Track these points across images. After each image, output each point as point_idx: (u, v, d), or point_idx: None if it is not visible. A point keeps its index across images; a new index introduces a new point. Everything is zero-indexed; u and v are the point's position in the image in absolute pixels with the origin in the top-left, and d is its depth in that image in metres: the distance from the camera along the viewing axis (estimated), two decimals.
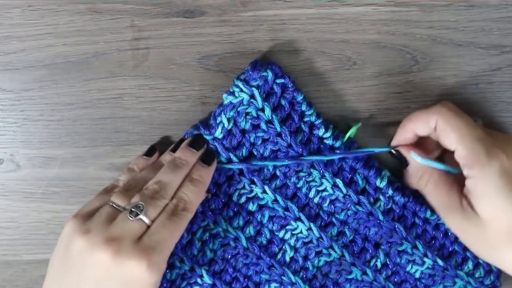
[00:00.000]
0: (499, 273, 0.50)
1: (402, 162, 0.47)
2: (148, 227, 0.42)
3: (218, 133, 0.46)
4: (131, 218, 0.42)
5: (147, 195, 0.43)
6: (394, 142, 0.47)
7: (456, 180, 0.45)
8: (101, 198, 0.45)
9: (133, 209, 0.42)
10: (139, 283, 0.41)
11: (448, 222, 0.45)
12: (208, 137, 0.47)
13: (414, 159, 0.46)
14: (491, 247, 0.43)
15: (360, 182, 0.48)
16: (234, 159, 0.47)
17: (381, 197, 0.48)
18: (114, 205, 0.43)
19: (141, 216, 0.42)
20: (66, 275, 0.42)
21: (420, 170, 0.46)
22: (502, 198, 0.41)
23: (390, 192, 0.48)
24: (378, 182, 0.48)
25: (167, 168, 0.45)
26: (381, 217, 0.48)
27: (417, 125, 0.45)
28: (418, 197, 0.48)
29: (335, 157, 0.47)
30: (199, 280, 0.48)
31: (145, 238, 0.41)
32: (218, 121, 0.46)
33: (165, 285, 0.48)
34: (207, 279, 0.48)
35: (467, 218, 0.43)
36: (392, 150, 0.47)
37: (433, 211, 0.48)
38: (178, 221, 0.43)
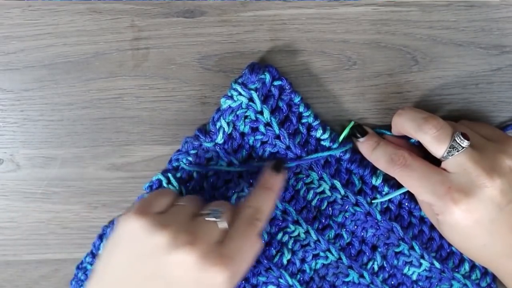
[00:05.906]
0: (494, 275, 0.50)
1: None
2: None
3: (220, 139, 0.46)
4: (211, 220, 0.39)
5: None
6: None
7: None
8: (161, 200, 0.41)
9: (210, 212, 0.40)
10: None
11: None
12: (209, 144, 0.46)
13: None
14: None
15: (357, 182, 0.48)
16: (235, 162, 0.47)
17: (378, 196, 0.48)
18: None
19: (220, 220, 0.39)
20: (137, 272, 0.38)
21: None
22: (464, 242, 0.44)
23: (386, 189, 0.48)
24: (373, 180, 0.48)
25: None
26: (379, 217, 0.48)
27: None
28: (413, 195, 0.48)
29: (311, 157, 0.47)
30: None
31: (226, 244, 0.39)
32: (218, 126, 0.46)
33: None
34: None
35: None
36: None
37: None
38: (254, 229, 0.40)
